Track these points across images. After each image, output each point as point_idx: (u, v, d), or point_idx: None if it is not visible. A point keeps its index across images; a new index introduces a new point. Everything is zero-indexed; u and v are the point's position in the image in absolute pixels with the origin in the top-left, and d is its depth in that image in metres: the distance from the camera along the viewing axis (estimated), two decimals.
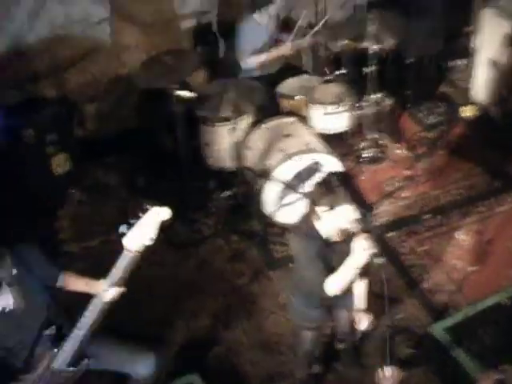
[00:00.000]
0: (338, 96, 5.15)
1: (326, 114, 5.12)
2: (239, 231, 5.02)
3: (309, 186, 4.60)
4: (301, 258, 3.16)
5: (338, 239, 3.10)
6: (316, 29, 5.44)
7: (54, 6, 5.14)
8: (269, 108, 5.22)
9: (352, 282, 3.26)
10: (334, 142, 5.44)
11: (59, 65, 5.36)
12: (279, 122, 5.08)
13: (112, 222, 4.94)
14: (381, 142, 5.65)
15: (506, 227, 4.86)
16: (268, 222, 4.94)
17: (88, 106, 5.74)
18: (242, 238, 4.97)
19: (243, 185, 5.12)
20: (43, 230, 4.84)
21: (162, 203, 3.06)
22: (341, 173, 4.23)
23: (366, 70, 5.17)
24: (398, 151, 5.61)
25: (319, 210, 2.99)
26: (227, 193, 5.21)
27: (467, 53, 6.09)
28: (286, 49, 5.39)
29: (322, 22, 5.43)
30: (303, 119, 5.22)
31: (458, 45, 6.35)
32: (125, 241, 2.96)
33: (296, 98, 5.24)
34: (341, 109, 5.16)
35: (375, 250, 2.90)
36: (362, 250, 2.92)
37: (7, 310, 2.98)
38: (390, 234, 4.88)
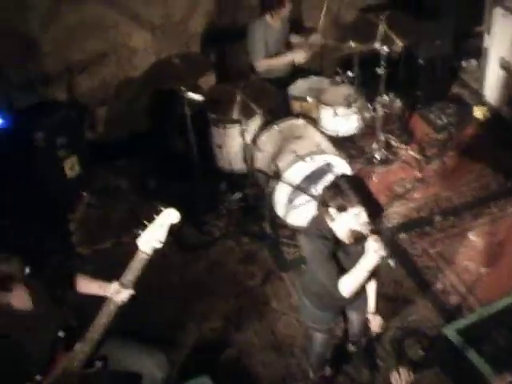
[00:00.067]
0: (348, 98, 5.14)
1: (336, 115, 5.12)
2: (250, 233, 5.02)
3: (319, 187, 4.62)
4: (313, 260, 3.15)
5: (349, 241, 3.10)
6: (320, 24, 5.43)
7: (68, 11, 5.16)
8: (279, 110, 5.23)
9: (364, 284, 3.25)
10: (345, 143, 5.45)
11: (71, 68, 5.39)
12: (290, 123, 5.09)
13: (123, 225, 4.99)
14: (392, 143, 5.63)
15: None
16: (279, 224, 4.94)
17: (99, 109, 5.77)
18: (253, 239, 4.97)
19: (254, 187, 5.13)
20: (55, 233, 4.86)
21: (172, 206, 3.08)
22: (352, 175, 4.22)
23: (377, 71, 5.15)
24: (409, 152, 5.59)
25: (332, 211, 2.98)
26: (238, 195, 5.21)
27: (479, 53, 6.07)
28: (299, 56, 5.37)
29: (322, 17, 5.41)
30: (314, 121, 5.23)
31: (470, 45, 6.34)
32: (139, 242, 2.98)
33: (308, 99, 5.25)
34: (351, 110, 5.16)
35: (386, 252, 2.89)
36: (372, 252, 2.91)
37: (24, 312, 3.00)
38: (401, 236, 4.87)
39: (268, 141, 5.01)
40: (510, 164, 5.38)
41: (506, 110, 5.82)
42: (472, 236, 4.82)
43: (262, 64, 5.33)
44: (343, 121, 5.18)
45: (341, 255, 3.11)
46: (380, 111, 5.34)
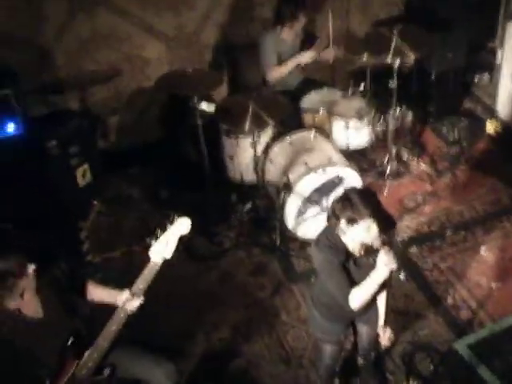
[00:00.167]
0: (360, 110, 5.15)
1: (348, 128, 5.13)
2: (261, 244, 5.02)
3: (330, 200, 4.62)
4: (323, 270, 3.14)
5: (360, 253, 3.09)
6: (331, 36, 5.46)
7: (82, 22, 5.22)
8: (291, 121, 5.24)
9: (374, 297, 3.24)
10: (356, 156, 5.45)
11: (85, 78, 5.43)
12: (302, 135, 5.09)
13: (134, 234, 5.00)
14: (403, 156, 5.63)
15: None
16: (289, 236, 4.94)
17: (111, 118, 5.81)
18: (263, 251, 4.96)
19: (265, 198, 5.13)
20: (66, 241, 4.87)
21: (184, 216, 3.09)
22: (363, 187, 4.22)
23: (390, 84, 5.16)
24: (421, 166, 5.59)
25: (342, 224, 2.98)
26: (249, 206, 5.21)
27: (491, 67, 6.07)
28: (305, 57, 5.38)
29: (330, 29, 5.43)
30: (326, 133, 5.23)
31: (482, 59, 6.34)
32: (151, 252, 3.00)
33: (320, 112, 5.26)
34: (363, 123, 5.17)
35: (397, 266, 2.88)
36: (383, 265, 2.90)
37: (35, 319, 3.00)
38: (412, 250, 4.85)
39: (279, 152, 5.01)
40: None
41: None
42: (483, 251, 4.80)
43: (274, 74, 5.35)
44: (355, 133, 5.19)
45: (351, 267, 3.10)
46: (392, 124, 5.34)
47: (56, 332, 3.05)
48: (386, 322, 3.49)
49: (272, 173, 4.99)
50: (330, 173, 4.67)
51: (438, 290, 4.53)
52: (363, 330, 3.66)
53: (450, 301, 4.45)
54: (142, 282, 3.07)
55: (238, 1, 5.72)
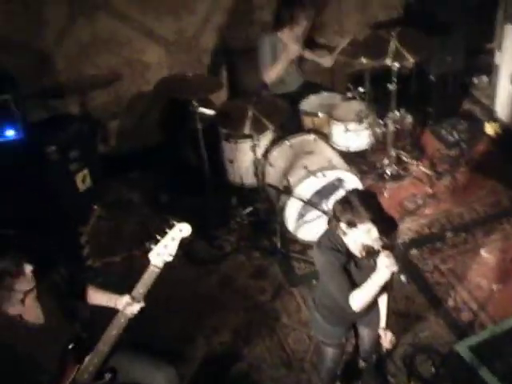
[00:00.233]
0: (359, 113, 5.16)
1: (347, 131, 5.14)
2: (261, 248, 5.02)
3: (330, 203, 4.62)
4: (324, 272, 3.14)
5: (361, 255, 3.09)
6: (339, 49, 5.48)
7: (82, 26, 5.23)
8: (291, 125, 5.25)
9: (375, 299, 3.24)
10: (356, 159, 5.45)
11: (85, 83, 5.44)
12: (301, 139, 5.10)
13: (134, 238, 5.00)
14: (403, 159, 5.63)
15: None
16: (290, 239, 4.94)
17: (111, 122, 5.81)
18: (263, 254, 4.96)
19: (265, 201, 5.13)
20: (67, 246, 4.87)
21: (184, 220, 3.09)
22: (364, 190, 4.22)
23: (389, 87, 5.17)
24: (420, 168, 5.59)
25: (342, 226, 2.98)
26: (249, 209, 5.22)
27: (490, 69, 6.08)
28: (293, 51, 5.35)
29: (343, 44, 5.46)
30: (325, 136, 5.24)
31: (481, 61, 6.35)
32: (151, 256, 3.00)
33: (319, 115, 5.26)
34: (363, 126, 5.17)
35: (398, 268, 2.88)
36: (384, 268, 2.90)
37: (36, 325, 3.00)
38: (412, 252, 4.85)
39: (279, 156, 5.02)
40: None
41: None
42: (484, 252, 4.80)
43: (270, 75, 5.36)
44: (354, 136, 5.20)
45: (353, 269, 3.10)
46: (391, 127, 5.35)
47: (56, 337, 3.05)
48: (387, 325, 3.48)
49: (272, 176, 4.99)
50: (330, 176, 4.67)
51: (439, 292, 4.53)
52: (364, 332, 3.66)
53: (450, 303, 4.45)
54: (142, 286, 3.07)
55: (237, 4, 5.73)
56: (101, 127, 5.72)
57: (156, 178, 5.75)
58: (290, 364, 4.17)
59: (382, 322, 3.49)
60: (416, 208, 5.26)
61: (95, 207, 5.34)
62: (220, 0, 5.64)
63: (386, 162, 5.52)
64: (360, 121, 5.14)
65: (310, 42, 5.68)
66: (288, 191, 4.66)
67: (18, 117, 4.63)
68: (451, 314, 4.36)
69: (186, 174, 5.55)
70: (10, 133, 4.66)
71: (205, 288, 4.73)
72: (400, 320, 4.28)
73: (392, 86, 5.17)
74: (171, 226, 3.03)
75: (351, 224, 2.93)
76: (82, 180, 5.14)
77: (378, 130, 5.34)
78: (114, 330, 3.07)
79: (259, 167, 4.96)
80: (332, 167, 4.71)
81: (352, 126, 5.14)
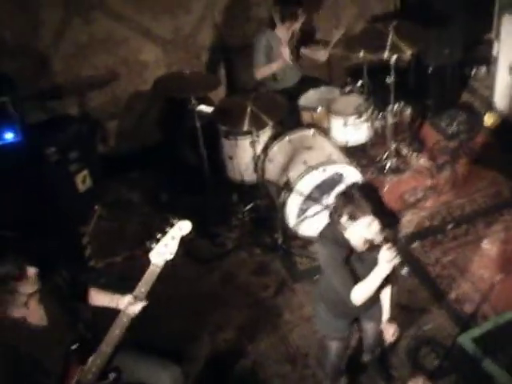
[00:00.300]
0: (358, 107, 5.15)
1: (347, 125, 5.13)
2: (262, 244, 5.02)
3: (331, 197, 4.62)
4: (326, 265, 3.14)
5: (363, 248, 3.09)
6: (333, 42, 5.47)
7: (79, 26, 5.22)
8: (290, 120, 5.25)
9: (378, 292, 3.23)
10: (356, 153, 5.45)
11: (82, 83, 5.44)
12: (300, 134, 5.10)
13: (136, 238, 5.01)
14: (402, 152, 5.63)
15: None
16: (291, 234, 4.94)
17: (110, 122, 5.81)
18: (265, 250, 4.97)
19: (265, 198, 5.13)
20: (68, 247, 4.88)
21: (185, 218, 3.09)
22: (364, 183, 4.20)
23: (387, 80, 5.16)
24: (420, 161, 5.59)
25: (343, 219, 2.98)
26: (250, 206, 5.22)
27: (488, 60, 6.06)
28: (286, 54, 5.31)
29: (338, 36, 5.45)
30: (324, 131, 5.23)
31: (479, 53, 6.33)
32: (151, 255, 3.01)
33: (318, 110, 5.26)
34: (361, 120, 5.16)
35: (399, 261, 2.88)
36: (385, 262, 2.90)
37: (40, 327, 3.01)
38: (414, 245, 4.85)
39: (279, 152, 5.02)
40: None
41: None
42: (485, 244, 4.79)
43: (259, 74, 5.37)
44: (353, 130, 5.19)
45: (355, 262, 3.10)
46: (390, 120, 5.34)
47: (60, 339, 3.05)
48: (391, 318, 3.48)
49: (272, 172, 4.99)
50: (330, 171, 4.67)
51: (441, 285, 4.53)
52: (368, 326, 3.67)
53: (453, 295, 4.45)
54: (144, 285, 3.07)
55: (233, 1, 5.72)
56: (100, 127, 5.72)
57: (156, 177, 5.75)
58: (295, 360, 4.18)
59: (385, 316, 3.49)
60: (416, 201, 5.26)
61: (96, 207, 5.34)
62: None
63: (385, 155, 5.52)
64: (359, 114, 5.14)
65: (305, 38, 5.67)
66: (288, 187, 4.66)
67: (16, 119, 4.63)
68: (454, 306, 4.36)
69: (186, 173, 5.55)
70: (9, 135, 4.66)
71: (207, 286, 4.73)
72: (403, 313, 4.27)
73: (390, 79, 5.17)
74: (171, 225, 3.03)
75: (352, 217, 2.93)
76: (82, 181, 5.15)
77: (377, 124, 5.33)
78: (116, 330, 3.07)
79: (259, 163, 4.96)
80: (332, 162, 4.70)
81: (351, 119, 5.14)
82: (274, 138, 5.10)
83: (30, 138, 4.74)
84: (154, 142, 5.87)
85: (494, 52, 5.90)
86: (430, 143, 5.84)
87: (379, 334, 3.62)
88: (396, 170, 5.51)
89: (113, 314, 3.14)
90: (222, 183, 5.32)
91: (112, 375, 3.13)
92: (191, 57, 5.77)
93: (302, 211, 4.82)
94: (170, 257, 3.05)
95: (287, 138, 5.04)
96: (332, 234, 3.08)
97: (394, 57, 5.02)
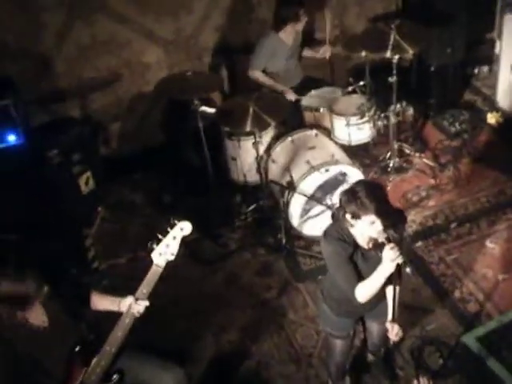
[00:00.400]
0: (361, 107, 5.15)
1: (349, 125, 5.13)
2: (266, 244, 5.02)
3: (334, 197, 4.62)
4: (331, 262, 3.14)
5: (368, 246, 3.08)
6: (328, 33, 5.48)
7: (81, 28, 5.23)
8: (292, 121, 5.25)
9: (382, 291, 3.23)
10: (359, 152, 5.45)
11: (85, 85, 5.44)
12: (303, 134, 5.10)
13: (139, 240, 5.01)
14: (405, 151, 5.62)
15: None
16: (294, 235, 4.94)
17: (112, 124, 5.82)
18: (269, 251, 4.97)
19: (269, 198, 5.13)
20: (71, 249, 4.88)
21: (188, 219, 3.10)
22: (372, 182, 4.18)
23: (389, 79, 5.15)
24: (423, 160, 5.58)
25: (348, 217, 2.97)
26: (253, 206, 5.22)
27: (490, 59, 6.06)
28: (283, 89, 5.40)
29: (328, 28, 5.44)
30: (327, 131, 5.23)
31: (481, 52, 6.32)
32: (153, 256, 3.01)
33: (320, 110, 5.26)
34: (364, 119, 5.16)
35: (402, 260, 2.87)
36: (388, 261, 2.90)
37: (41, 329, 3.01)
38: (417, 244, 4.84)
39: (282, 152, 5.02)
40: None
41: None
42: (489, 243, 4.78)
43: (252, 75, 5.40)
44: (356, 130, 5.19)
45: (359, 260, 3.10)
46: (393, 120, 5.33)
47: (63, 340, 3.05)
48: (395, 317, 3.48)
49: (275, 172, 4.99)
50: (333, 171, 4.67)
51: (445, 284, 4.53)
52: (373, 325, 3.66)
53: (457, 294, 4.44)
54: (146, 286, 3.08)
55: (235, 3, 5.72)
56: (102, 129, 5.72)
57: (159, 179, 5.76)
58: (299, 360, 4.17)
59: (389, 315, 3.48)
60: (420, 200, 5.25)
61: (99, 209, 5.35)
62: None
63: (388, 154, 5.51)
64: (361, 114, 5.13)
65: (305, 38, 5.67)
66: (291, 187, 4.66)
67: (18, 122, 4.64)
68: (458, 306, 4.35)
69: (189, 174, 5.55)
70: (12, 138, 4.66)
71: (211, 286, 4.73)
72: (407, 312, 4.27)
73: (392, 79, 5.15)
74: (172, 226, 3.03)
75: (355, 215, 2.93)
76: (85, 182, 5.15)
77: (379, 123, 5.32)
78: (119, 332, 3.07)
79: (262, 164, 4.96)
80: (335, 162, 4.70)
81: (353, 119, 5.13)
82: (277, 138, 5.11)
83: (32, 141, 4.75)
84: (156, 144, 5.87)
85: (496, 51, 5.90)
86: (432, 142, 5.83)
87: (384, 334, 3.62)
88: (399, 170, 5.50)
89: (115, 315, 3.14)
90: (225, 184, 5.32)
91: (115, 377, 3.13)
92: (193, 58, 5.77)
93: (306, 211, 4.82)
94: (171, 257, 3.06)
95: (290, 138, 5.04)
96: (337, 232, 3.08)
97: (396, 56, 5.01)
